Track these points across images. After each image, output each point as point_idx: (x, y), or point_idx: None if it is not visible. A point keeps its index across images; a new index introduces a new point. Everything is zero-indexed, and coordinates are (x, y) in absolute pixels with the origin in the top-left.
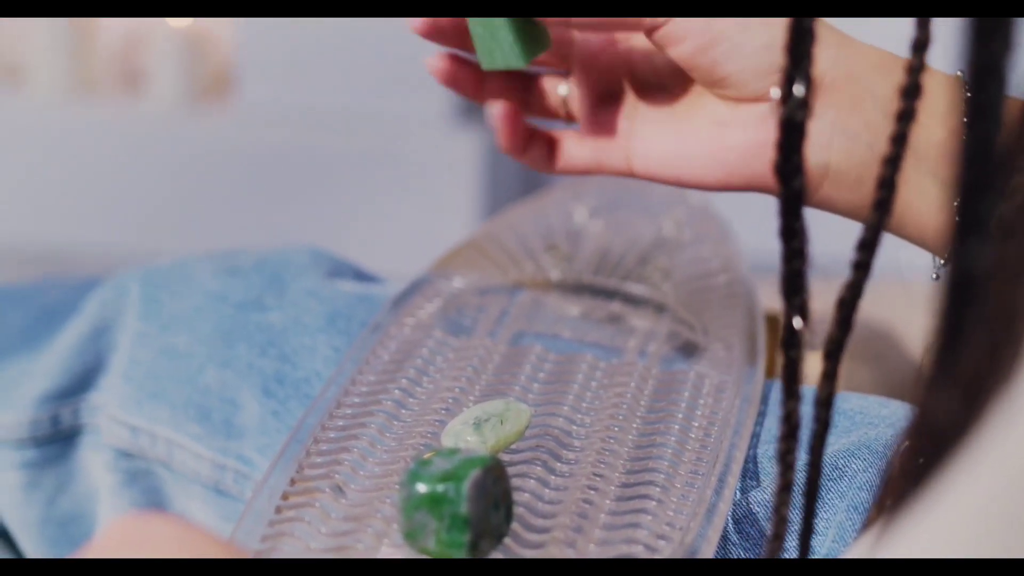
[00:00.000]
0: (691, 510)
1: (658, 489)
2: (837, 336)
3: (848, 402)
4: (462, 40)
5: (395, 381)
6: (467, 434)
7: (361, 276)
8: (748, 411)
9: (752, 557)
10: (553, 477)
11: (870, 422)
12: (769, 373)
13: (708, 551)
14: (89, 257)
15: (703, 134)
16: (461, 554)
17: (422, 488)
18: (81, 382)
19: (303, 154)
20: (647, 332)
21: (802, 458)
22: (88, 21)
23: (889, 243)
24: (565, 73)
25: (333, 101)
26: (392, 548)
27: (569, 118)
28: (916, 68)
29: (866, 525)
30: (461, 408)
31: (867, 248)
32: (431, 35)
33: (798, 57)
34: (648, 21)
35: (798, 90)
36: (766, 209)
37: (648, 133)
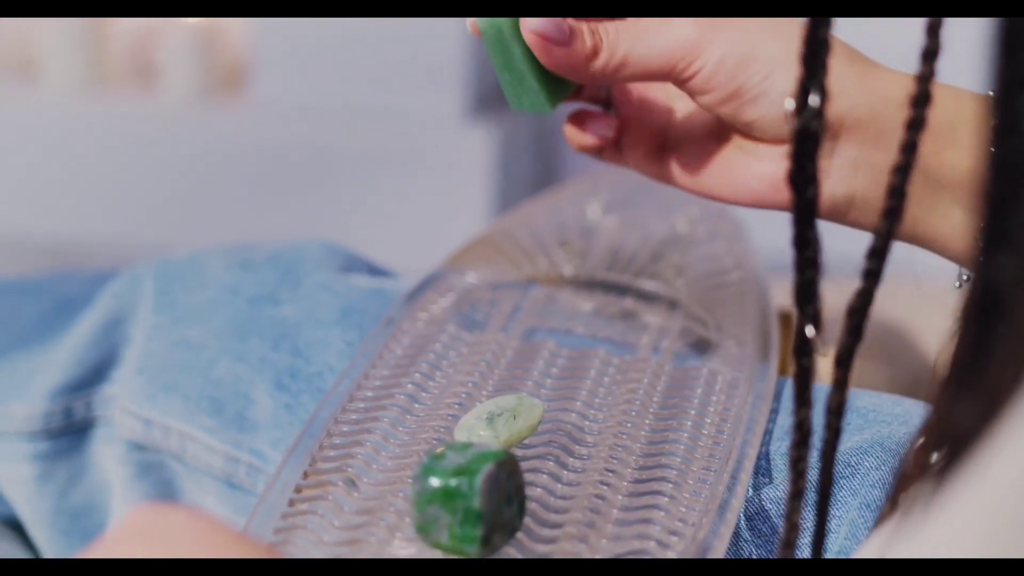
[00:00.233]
0: (703, 506)
1: (670, 485)
2: (848, 343)
3: (861, 400)
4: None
5: (408, 375)
6: (480, 429)
7: (374, 271)
8: (761, 408)
9: (764, 554)
10: (566, 472)
11: (883, 420)
12: (781, 371)
13: (720, 547)
14: (102, 250)
15: (732, 159)
16: (474, 548)
17: (435, 482)
18: (94, 375)
19: (316, 148)
20: (660, 328)
21: (815, 459)
22: None
23: (903, 244)
24: (605, 104)
25: (346, 96)
26: (404, 542)
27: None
28: (925, 77)
29: (879, 522)
30: (474, 403)
31: (878, 256)
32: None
33: (813, 67)
34: (675, 74)
35: (813, 100)
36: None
37: (682, 149)
